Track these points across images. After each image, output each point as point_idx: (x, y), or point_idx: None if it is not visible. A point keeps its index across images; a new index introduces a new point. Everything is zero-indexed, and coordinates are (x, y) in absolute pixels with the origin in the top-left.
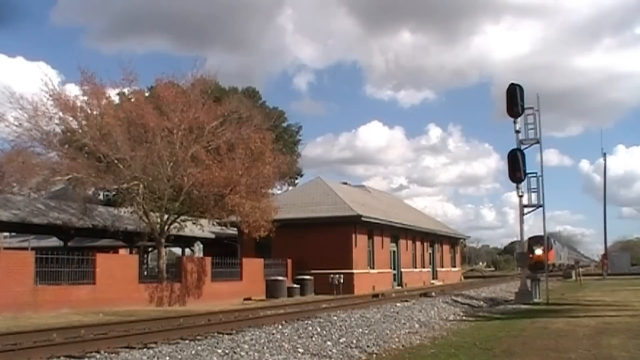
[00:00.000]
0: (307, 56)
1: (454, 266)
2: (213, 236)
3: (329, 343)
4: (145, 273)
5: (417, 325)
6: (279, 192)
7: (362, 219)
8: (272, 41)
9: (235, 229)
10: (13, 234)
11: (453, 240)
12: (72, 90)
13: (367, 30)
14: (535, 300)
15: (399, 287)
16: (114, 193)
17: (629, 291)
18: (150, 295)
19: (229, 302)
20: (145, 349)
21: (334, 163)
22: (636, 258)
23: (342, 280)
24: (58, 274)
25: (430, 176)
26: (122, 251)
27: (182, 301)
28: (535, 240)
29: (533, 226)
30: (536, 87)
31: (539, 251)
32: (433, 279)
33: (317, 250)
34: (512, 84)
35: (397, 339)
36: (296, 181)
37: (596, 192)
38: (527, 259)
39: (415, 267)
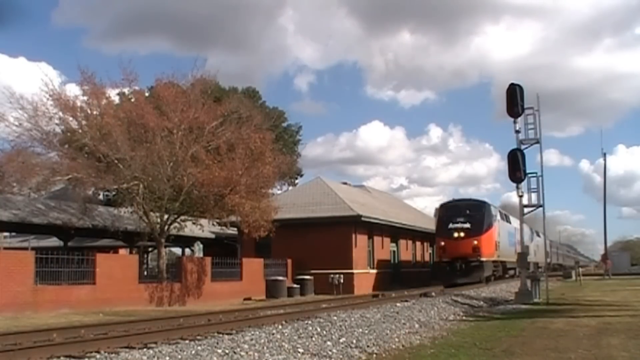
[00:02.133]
0: (308, 57)
1: None
2: (213, 236)
3: (329, 343)
4: (145, 273)
5: (417, 325)
6: (279, 192)
7: (362, 219)
8: (273, 42)
9: (235, 229)
10: (13, 234)
11: None
12: (73, 91)
13: (367, 31)
14: (535, 300)
15: None
16: (114, 193)
17: (629, 291)
18: (150, 295)
19: (228, 302)
20: (145, 349)
21: (334, 163)
22: (636, 258)
23: (342, 280)
24: (58, 274)
25: (431, 176)
26: (122, 251)
27: (182, 301)
28: (454, 210)
29: (533, 226)
30: (536, 87)
31: (460, 233)
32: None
33: (317, 250)
34: (512, 84)
35: (397, 339)
36: (296, 181)
37: (596, 192)
38: (439, 248)
39: None
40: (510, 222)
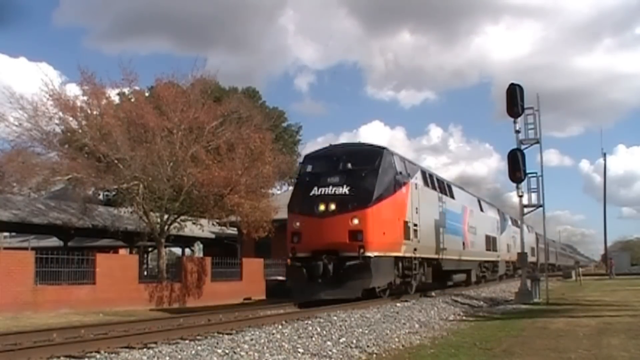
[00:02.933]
0: (308, 57)
1: None
2: (213, 236)
3: (329, 343)
4: (145, 273)
5: (417, 325)
6: (279, 192)
7: None
8: (273, 42)
9: (235, 229)
10: (13, 234)
11: None
12: (73, 91)
13: (367, 31)
14: (535, 300)
15: None
16: (114, 193)
17: (629, 291)
18: (150, 295)
19: (229, 302)
20: (145, 349)
21: None
22: (636, 258)
23: None
24: (58, 274)
25: None
26: (122, 251)
27: (182, 301)
28: (324, 164)
29: (533, 226)
30: (536, 87)
31: (329, 205)
32: None
33: None
34: (512, 84)
35: (397, 339)
36: None
37: (596, 192)
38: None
39: None
40: (452, 196)
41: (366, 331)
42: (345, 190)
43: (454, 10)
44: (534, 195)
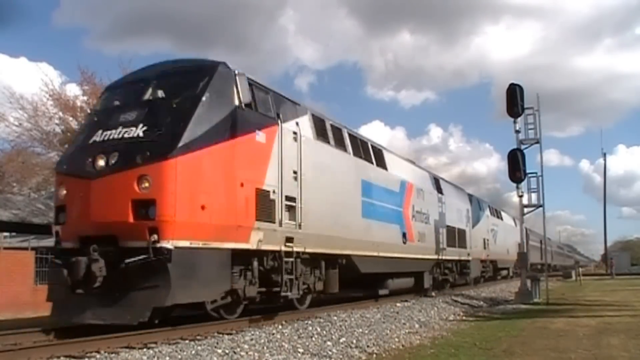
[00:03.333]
0: (309, 57)
1: None
2: None
3: (329, 343)
4: None
5: (417, 325)
6: None
7: None
8: (273, 42)
9: None
10: (13, 234)
11: None
12: (73, 91)
13: (367, 31)
14: (535, 300)
15: None
16: None
17: (629, 291)
18: None
19: None
20: (145, 349)
21: None
22: (636, 258)
23: None
24: None
25: None
26: None
27: None
28: (121, 94)
29: (533, 226)
30: (536, 87)
31: (110, 158)
32: None
33: None
34: (512, 84)
35: (397, 339)
36: None
37: (596, 192)
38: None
39: None
40: (382, 166)
41: (366, 331)
42: (139, 131)
43: (454, 10)
44: (534, 195)
